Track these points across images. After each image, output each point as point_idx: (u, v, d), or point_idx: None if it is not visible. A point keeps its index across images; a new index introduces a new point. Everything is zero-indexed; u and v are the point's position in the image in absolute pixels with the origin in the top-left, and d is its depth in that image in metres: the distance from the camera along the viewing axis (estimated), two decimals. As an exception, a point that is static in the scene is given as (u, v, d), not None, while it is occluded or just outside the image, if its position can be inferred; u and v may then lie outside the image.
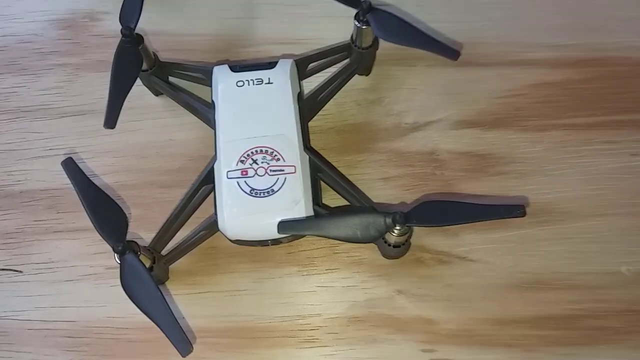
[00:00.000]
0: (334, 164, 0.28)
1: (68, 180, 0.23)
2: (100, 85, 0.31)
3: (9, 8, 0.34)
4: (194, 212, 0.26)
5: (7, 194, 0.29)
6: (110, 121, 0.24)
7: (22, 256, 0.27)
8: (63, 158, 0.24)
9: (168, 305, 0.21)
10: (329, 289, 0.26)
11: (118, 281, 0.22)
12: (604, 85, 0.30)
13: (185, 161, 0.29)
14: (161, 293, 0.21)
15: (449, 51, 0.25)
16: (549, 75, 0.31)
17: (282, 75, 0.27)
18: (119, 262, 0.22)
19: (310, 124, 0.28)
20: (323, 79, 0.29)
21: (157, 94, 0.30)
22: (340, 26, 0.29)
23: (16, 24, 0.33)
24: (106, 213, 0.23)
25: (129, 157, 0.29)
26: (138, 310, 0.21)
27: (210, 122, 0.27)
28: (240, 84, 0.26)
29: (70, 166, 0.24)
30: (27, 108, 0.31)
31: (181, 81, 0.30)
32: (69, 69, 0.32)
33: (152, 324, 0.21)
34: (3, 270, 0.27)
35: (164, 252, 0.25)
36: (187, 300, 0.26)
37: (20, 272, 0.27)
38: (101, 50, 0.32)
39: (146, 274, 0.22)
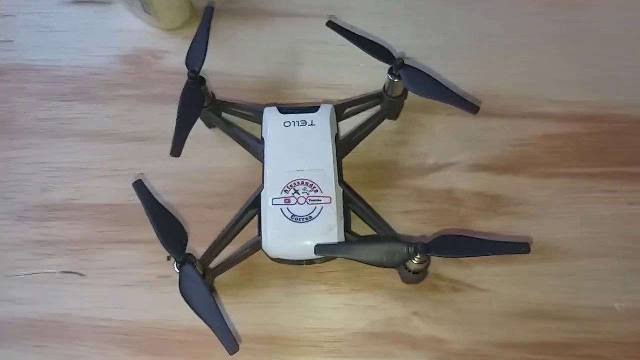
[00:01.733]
0: (362, 196, 0.32)
1: (130, 197, 0.27)
2: (159, 116, 0.35)
3: (82, 42, 0.39)
4: (240, 232, 0.30)
5: (75, 207, 0.33)
6: (177, 150, 0.28)
7: (86, 262, 0.31)
8: (125, 178, 0.28)
9: (220, 310, 0.25)
10: (352, 307, 0.30)
11: (169, 288, 0.25)
12: (606, 139, 0.34)
13: (232, 187, 0.33)
14: (214, 299, 0.25)
15: (469, 106, 0.29)
16: (557, 128, 0.34)
17: (323, 119, 0.31)
18: (178, 271, 0.26)
19: (344, 160, 0.32)
20: (357, 122, 0.33)
21: (210, 126, 0.34)
22: (372, 75, 0.33)
23: (88, 57, 0.38)
24: (169, 229, 0.27)
25: (184, 181, 0.33)
26: (186, 315, 0.25)
27: (259, 155, 0.31)
28: (287, 124, 0.31)
29: (141, 187, 0.28)
30: (95, 132, 0.35)
31: (232, 117, 0.34)
32: (132, 100, 0.36)
33: (199, 327, 0.24)
34: (69, 274, 0.31)
35: (212, 265, 0.29)
36: (228, 309, 0.30)
37: (84, 275, 0.31)
38: (162, 85, 0.37)
39: (202, 282, 0.25)
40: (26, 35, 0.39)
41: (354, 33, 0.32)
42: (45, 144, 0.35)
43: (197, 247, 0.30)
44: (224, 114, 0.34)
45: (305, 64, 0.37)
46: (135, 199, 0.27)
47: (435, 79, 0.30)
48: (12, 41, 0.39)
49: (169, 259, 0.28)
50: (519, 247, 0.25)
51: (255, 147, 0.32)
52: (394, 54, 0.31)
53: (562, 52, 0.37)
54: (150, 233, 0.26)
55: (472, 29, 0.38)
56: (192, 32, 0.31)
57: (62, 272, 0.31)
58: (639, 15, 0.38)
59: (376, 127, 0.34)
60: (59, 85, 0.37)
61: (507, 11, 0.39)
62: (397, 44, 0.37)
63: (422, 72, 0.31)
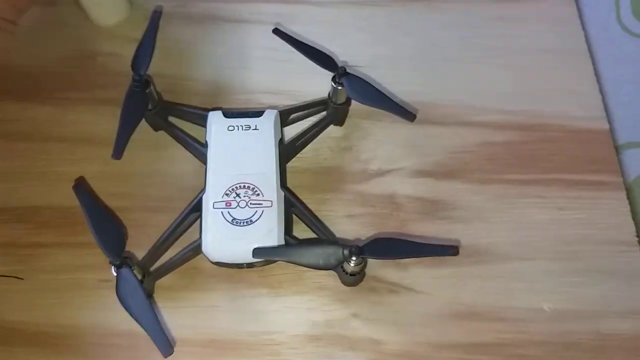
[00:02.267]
0: (307, 200, 0.32)
1: (71, 200, 0.27)
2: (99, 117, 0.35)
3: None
4: (181, 235, 0.30)
5: (14, 208, 0.32)
6: (118, 153, 0.28)
7: (24, 265, 0.31)
8: (63, 180, 0.27)
9: (155, 313, 0.25)
10: (293, 309, 0.30)
11: (107, 293, 0.25)
12: (540, 147, 0.36)
13: (176, 190, 0.33)
14: (150, 302, 0.25)
15: (407, 114, 0.30)
16: (494, 136, 0.36)
17: (267, 124, 0.31)
18: (115, 274, 0.26)
19: (289, 164, 0.33)
20: (302, 127, 0.34)
21: (156, 129, 0.34)
22: (318, 82, 0.34)
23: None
24: (108, 231, 0.27)
25: (127, 184, 0.33)
26: (124, 320, 0.25)
27: (202, 158, 0.32)
28: (231, 128, 0.31)
29: (80, 189, 0.28)
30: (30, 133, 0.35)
31: (177, 120, 0.34)
32: (71, 101, 0.36)
33: (138, 330, 0.25)
34: (4, 277, 0.31)
35: (152, 269, 0.29)
36: (168, 313, 0.30)
37: (22, 279, 0.30)
38: (104, 87, 0.36)
39: (138, 285, 0.25)
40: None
41: (298, 40, 0.33)
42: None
43: (140, 250, 0.30)
44: (170, 117, 0.34)
45: (253, 69, 0.38)
46: (74, 201, 0.27)
47: (375, 88, 0.31)
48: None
49: (111, 262, 0.28)
50: (448, 250, 0.26)
51: (199, 150, 0.32)
52: (338, 62, 0.32)
53: (500, 64, 0.38)
54: (90, 235, 0.26)
55: (416, 41, 0.39)
56: (131, 31, 0.32)
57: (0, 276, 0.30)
58: (570, 30, 0.40)
59: (321, 132, 0.34)
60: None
61: (450, 25, 0.40)
62: (344, 52, 0.38)
63: (363, 80, 0.32)
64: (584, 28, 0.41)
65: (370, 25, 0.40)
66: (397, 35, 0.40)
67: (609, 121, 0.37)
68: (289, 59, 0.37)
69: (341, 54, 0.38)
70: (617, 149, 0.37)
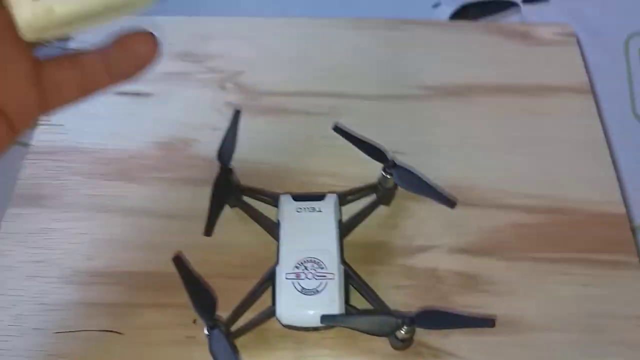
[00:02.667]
0: (359, 272, 0.37)
1: (162, 266, 0.33)
2: (187, 196, 0.42)
3: (124, 129, 0.46)
4: (256, 301, 0.36)
5: (115, 273, 0.38)
6: (209, 231, 0.34)
7: (123, 322, 0.37)
8: (158, 249, 0.33)
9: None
10: (350, 369, 0.35)
11: (195, 347, 0.31)
12: (565, 229, 0.40)
13: (249, 259, 0.39)
14: (237, 358, 0.30)
15: (448, 202, 0.36)
16: (524, 218, 0.41)
17: (328, 206, 0.37)
18: (208, 333, 0.31)
19: (345, 240, 0.38)
20: (356, 207, 0.40)
21: (232, 206, 0.41)
22: (369, 167, 0.39)
23: (128, 141, 0.45)
24: (202, 297, 0.32)
25: (209, 253, 0.39)
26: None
27: (273, 234, 0.37)
28: (299, 210, 0.37)
29: (179, 260, 0.34)
30: (133, 208, 0.41)
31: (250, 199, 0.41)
32: (165, 181, 0.43)
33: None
34: (108, 332, 0.36)
35: (233, 329, 0.34)
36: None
37: (122, 334, 0.36)
38: (190, 169, 0.43)
39: (228, 344, 0.31)
40: (75, 120, 0.46)
41: (355, 137, 0.39)
42: (90, 217, 0.41)
43: (220, 311, 0.35)
44: (244, 197, 0.40)
45: (313, 154, 0.44)
46: (166, 268, 0.33)
47: (420, 178, 0.37)
48: (62, 125, 0.46)
49: (195, 321, 0.34)
50: (486, 322, 0.30)
51: (271, 227, 0.38)
52: (387, 155, 0.38)
53: (527, 153, 0.44)
54: (178, 298, 0.32)
55: (453, 131, 0.45)
56: (211, 122, 0.38)
57: (102, 330, 0.36)
58: (589, 122, 0.46)
59: (372, 212, 0.40)
60: (103, 166, 0.43)
61: (485, 117, 0.46)
62: (388, 140, 0.44)
63: (410, 170, 0.37)
64: (601, 120, 0.47)
65: (412, 116, 0.46)
66: (435, 125, 0.46)
67: (626, 205, 0.42)
68: (344, 146, 0.43)
69: (386, 142, 0.44)
70: (635, 231, 0.42)
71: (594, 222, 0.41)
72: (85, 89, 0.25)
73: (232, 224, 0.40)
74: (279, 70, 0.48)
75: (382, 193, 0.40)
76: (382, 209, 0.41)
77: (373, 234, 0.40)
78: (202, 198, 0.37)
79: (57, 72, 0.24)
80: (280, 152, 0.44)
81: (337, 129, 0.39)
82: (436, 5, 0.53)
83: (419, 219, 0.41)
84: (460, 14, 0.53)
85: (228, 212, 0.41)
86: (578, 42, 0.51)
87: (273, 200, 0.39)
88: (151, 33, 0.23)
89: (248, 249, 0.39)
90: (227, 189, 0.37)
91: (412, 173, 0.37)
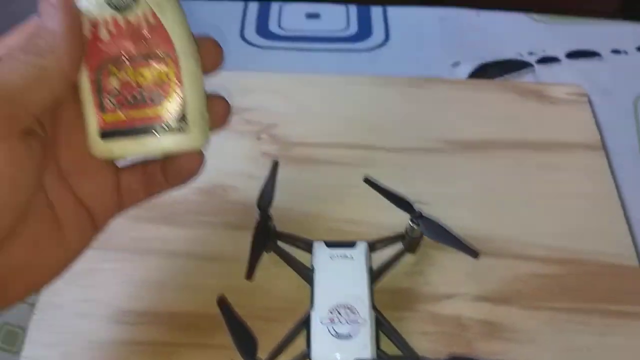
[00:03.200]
0: (387, 317, 0.40)
1: (203, 306, 0.36)
2: (227, 239, 0.45)
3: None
4: (291, 342, 0.38)
5: (160, 313, 0.41)
6: (250, 275, 0.37)
7: (165, 360, 0.39)
8: (199, 290, 0.36)
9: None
10: (379, 411, 0.37)
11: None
12: (581, 280, 0.43)
13: (283, 303, 0.41)
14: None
15: (471, 252, 0.39)
16: (542, 269, 0.43)
17: (360, 254, 0.40)
18: (250, 374, 0.34)
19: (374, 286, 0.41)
20: (384, 255, 0.42)
21: (267, 251, 0.43)
22: (394, 214, 0.42)
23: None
24: (243, 337, 0.35)
25: (245, 296, 0.41)
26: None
27: (307, 279, 0.40)
28: (332, 256, 0.40)
29: (222, 303, 0.36)
30: (176, 251, 0.44)
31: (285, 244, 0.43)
32: (207, 225, 0.46)
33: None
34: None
35: (269, 369, 0.37)
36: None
37: (164, 372, 0.38)
38: (230, 214, 0.46)
39: (269, 385, 0.33)
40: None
41: (384, 188, 0.42)
42: (136, 259, 0.43)
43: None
44: (279, 242, 0.43)
45: (342, 202, 0.47)
46: (207, 309, 0.36)
47: (446, 229, 0.40)
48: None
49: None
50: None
51: (305, 272, 0.41)
52: (414, 206, 0.41)
53: (543, 206, 0.47)
54: (218, 338, 0.34)
55: (474, 183, 0.48)
56: (247, 169, 0.41)
57: (147, 369, 0.38)
58: (602, 177, 0.48)
59: (399, 260, 0.43)
60: (148, 211, 0.46)
61: (502, 171, 0.49)
62: (412, 191, 0.46)
63: (436, 222, 0.40)
64: (613, 175, 0.50)
65: (434, 169, 0.50)
66: (457, 178, 0.49)
67: (638, 257, 0.44)
68: (373, 196, 0.46)
69: (409, 192, 0.47)
70: (648, 283, 0.44)
71: (609, 273, 0.43)
72: (151, 193, 0.30)
73: (267, 267, 0.43)
74: (310, 122, 0.52)
75: (408, 242, 0.42)
76: (408, 257, 0.44)
77: (400, 280, 0.43)
78: (240, 241, 0.40)
79: (131, 179, 0.29)
80: (310, 199, 0.47)
81: (368, 181, 0.42)
82: (456, 64, 0.57)
83: (443, 267, 0.43)
84: (478, 73, 0.57)
85: (263, 256, 0.43)
86: (589, 101, 0.55)
87: (307, 246, 0.42)
88: (200, 152, 0.29)
89: (282, 293, 0.42)
90: (267, 235, 0.40)
91: (438, 224, 0.40)
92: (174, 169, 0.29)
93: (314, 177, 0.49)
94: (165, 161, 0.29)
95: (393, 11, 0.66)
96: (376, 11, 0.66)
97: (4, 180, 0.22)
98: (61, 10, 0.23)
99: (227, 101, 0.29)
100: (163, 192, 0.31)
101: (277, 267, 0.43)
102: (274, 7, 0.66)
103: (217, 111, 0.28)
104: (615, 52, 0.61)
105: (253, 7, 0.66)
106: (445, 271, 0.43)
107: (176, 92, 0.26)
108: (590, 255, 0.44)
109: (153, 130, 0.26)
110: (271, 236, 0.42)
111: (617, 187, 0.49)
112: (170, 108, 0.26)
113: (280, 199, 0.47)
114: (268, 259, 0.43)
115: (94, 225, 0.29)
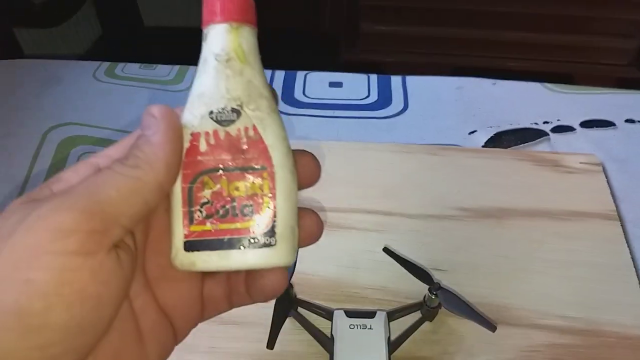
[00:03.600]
0: (405, 385, 0.41)
1: None
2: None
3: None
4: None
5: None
6: (272, 344, 0.39)
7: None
8: (226, 354, 0.38)
9: None
10: None
11: None
12: (597, 351, 0.43)
13: (303, 368, 0.43)
14: None
15: (489, 326, 0.40)
16: (558, 339, 0.44)
17: (379, 324, 0.41)
18: None
19: (392, 355, 0.42)
20: (401, 324, 0.44)
21: (286, 317, 0.45)
22: (411, 282, 0.44)
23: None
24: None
25: (268, 361, 0.43)
26: None
27: (325, 346, 0.41)
28: (352, 326, 0.41)
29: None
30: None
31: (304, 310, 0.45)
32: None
33: None
34: None
35: None
36: None
37: None
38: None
39: None
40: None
41: (403, 258, 0.44)
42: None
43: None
44: (299, 309, 0.45)
45: (360, 268, 0.49)
46: None
47: (464, 301, 0.41)
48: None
49: None
50: None
51: (324, 340, 0.42)
52: (433, 277, 0.43)
53: (558, 275, 0.48)
54: None
55: (490, 251, 0.50)
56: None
57: None
58: (617, 247, 0.49)
59: (417, 328, 0.44)
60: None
61: (518, 239, 0.51)
62: (429, 257, 0.49)
63: (454, 294, 0.42)
64: (628, 245, 0.50)
65: (451, 236, 0.51)
66: (473, 245, 0.50)
67: (657, 330, 0.45)
68: (389, 261, 0.48)
69: (426, 258, 0.49)
70: (666, 356, 0.44)
71: (624, 345, 0.43)
72: (232, 304, 0.28)
73: (286, 332, 0.44)
74: (330, 188, 0.55)
75: (427, 311, 0.44)
76: (425, 325, 0.45)
77: (418, 348, 0.44)
78: (261, 306, 0.42)
79: (215, 289, 0.28)
80: (329, 264, 0.49)
81: (387, 251, 0.44)
82: (472, 133, 0.60)
83: (459, 336, 0.44)
84: (494, 141, 0.59)
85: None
86: (604, 170, 0.56)
87: (327, 314, 0.43)
88: (284, 269, 0.26)
89: (301, 358, 0.43)
90: (289, 304, 0.42)
91: (457, 297, 0.41)
92: (257, 285, 0.26)
93: (336, 243, 0.51)
94: (249, 274, 0.27)
95: (412, 81, 0.69)
96: (396, 80, 0.69)
97: (90, 299, 0.21)
98: (162, 122, 0.23)
99: (319, 217, 0.27)
100: (244, 304, 0.28)
101: (297, 333, 0.44)
102: (299, 75, 0.71)
103: (309, 226, 0.27)
104: (630, 121, 0.62)
105: (280, 75, 0.71)
106: (462, 340, 0.44)
107: (269, 206, 0.24)
108: (606, 326, 0.45)
109: (240, 244, 0.24)
110: (292, 303, 0.44)
111: (633, 257, 0.49)
112: (260, 222, 0.24)
113: (300, 264, 0.49)
114: (288, 324, 0.45)
115: (174, 336, 0.27)
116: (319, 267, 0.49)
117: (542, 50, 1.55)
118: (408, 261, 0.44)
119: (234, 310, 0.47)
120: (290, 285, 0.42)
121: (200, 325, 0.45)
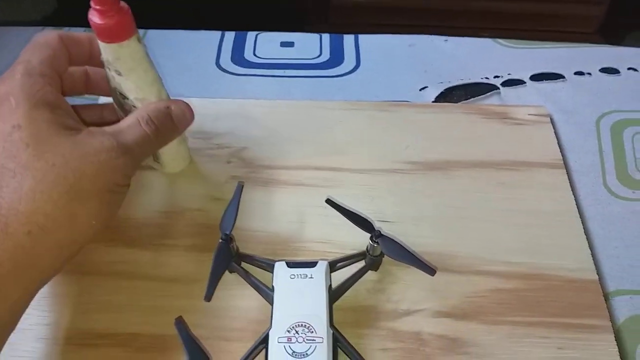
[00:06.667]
0: (348, 334, 0.40)
1: (169, 330, 0.36)
2: (186, 262, 0.45)
3: (133, 199, 0.50)
4: (251, 362, 0.38)
5: (118, 336, 0.41)
6: (209, 297, 0.37)
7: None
8: (157, 312, 0.36)
9: None
10: None
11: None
12: (541, 294, 0.43)
13: (245, 323, 0.41)
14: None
15: (428, 269, 0.39)
16: (502, 284, 0.44)
17: (319, 273, 0.40)
18: (204, 394, 0.34)
19: (335, 303, 0.41)
20: (346, 274, 0.43)
21: (230, 272, 0.44)
22: (356, 233, 0.43)
23: (135, 211, 0.49)
24: (197, 357, 0.35)
25: (206, 317, 0.42)
26: None
27: (268, 299, 0.40)
28: (292, 276, 0.40)
29: (179, 324, 0.37)
30: (133, 274, 0.45)
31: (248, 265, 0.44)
32: (166, 247, 0.46)
33: None
34: (111, 391, 0.38)
35: (227, 389, 0.37)
36: None
37: (123, 393, 0.38)
38: (191, 237, 0.47)
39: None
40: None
41: (344, 208, 0.43)
42: (97, 281, 0.44)
43: (216, 373, 0.38)
44: (243, 263, 0.44)
45: (306, 223, 0.48)
46: (167, 330, 0.36)
47: (403, 246, 0.41)
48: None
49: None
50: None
51: (266, 292, 0.41)
52: (374, 225, 0.42)
53: (504, 223, 0.48)
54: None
55: (436, 202, 0.49)
56: (213, 192, 0.42)
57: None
58: (562, 195, 0.49)
59: (360, 277, 0.43)
60: (110, 233, 0.47)
61: (464, 189, 0.50)
62: (377, 210, 0.48)
63: (394, 240, 0.41)
64: (574, 192, 0.50)
65: (398, 189, 0.51)
66: (420, 197, 0.50)
67: (599, 272, 0.45)
68: (335, 215, 0.47)
69: (374, 212, 0.48)
70: (608, 296, 0.44)
71: (569, 287, 0.44)
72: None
73: (229, 288, 0.43)
74: (279, 146, 0.53)
75: (370, 260, 0.43)
76: (370, 275, 0.44)
77: (362, 298, 0.43)
78: (203, 263, 0.41)
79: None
80: (276, 220, 0.48)
81: (330, 202, 0.43)
82: (423, 89, 0.59)
83: (404, 284, 0.44)
84: (444, 96, 0.58)
85: (227, 277, 0.44)
86: (552, 121, 0.56)
87: (269, 267, 0.42)
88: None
89: (244, 313, 0.42)
90: (228, 256, 0.40)
91: (397, 242, 0.41)
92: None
93: (281, 199, 0.50)
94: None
95: (365, 39, 0.68)
96: (348, 39, 0.68)
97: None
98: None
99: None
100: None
101: (240, 287, 0.43)
102: (250, 36, 0.68)
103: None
104: (579, 73, 0.62)
105: (229, 36, 0.68)
106: (406, 288, 0.44)
107: None
108: (551, 270, 0.45)
109: None
110: (234, 258, 0.42)
111: (578, 204, 0.50)
112: None
113: (247, 221, 0.48)
114: (231, 279, 0.44)
115: None
116: (265, 224, 0.48)
117: (507, 19, 1.55)
118: (350, 211, 0.43)
119: (172, 269, 0.46)
120: (230, 239, 0.41)
121: (136, 283, 0.44)
